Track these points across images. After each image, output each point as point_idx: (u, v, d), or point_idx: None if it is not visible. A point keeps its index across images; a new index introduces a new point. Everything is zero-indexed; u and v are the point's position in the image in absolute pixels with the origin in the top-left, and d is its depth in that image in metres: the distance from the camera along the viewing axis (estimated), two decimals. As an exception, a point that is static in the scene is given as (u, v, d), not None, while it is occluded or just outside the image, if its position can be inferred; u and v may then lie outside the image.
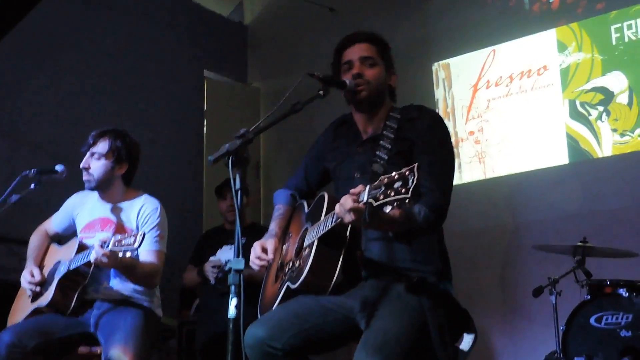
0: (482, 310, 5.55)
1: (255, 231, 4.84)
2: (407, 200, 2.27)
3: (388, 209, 2.39)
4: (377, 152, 2.85)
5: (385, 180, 2.33)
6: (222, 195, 5.40)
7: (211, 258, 5.19)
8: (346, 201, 2.46)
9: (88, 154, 3.84)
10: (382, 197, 2.31)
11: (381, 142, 2.88)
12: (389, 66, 3.04)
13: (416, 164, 2.29)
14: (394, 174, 2.32)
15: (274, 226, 3.06)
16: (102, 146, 3.84)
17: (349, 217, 2.46)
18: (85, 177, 3.84)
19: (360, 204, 2.42)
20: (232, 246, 5.08)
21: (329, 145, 3.13)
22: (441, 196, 2.75)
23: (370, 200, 2.35)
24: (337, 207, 2.51)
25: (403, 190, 2.27)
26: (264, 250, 2.89)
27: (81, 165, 3.84)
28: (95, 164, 3.83)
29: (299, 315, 2.72)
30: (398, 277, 2.73)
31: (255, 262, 2.89)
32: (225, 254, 5.20)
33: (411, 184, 2.26)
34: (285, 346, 2.65)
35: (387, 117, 2.97)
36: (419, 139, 2.85)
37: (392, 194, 2.28)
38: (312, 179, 3.18)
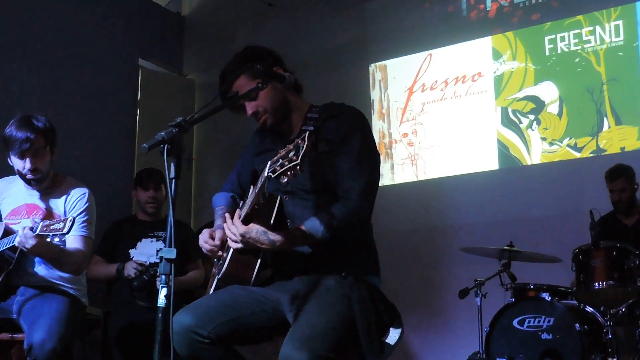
0: (408, 309, 5.58)
1: (178, 225, 4.75)
2: (298, 167, 2.35)
3: (284, 179, 2.47)
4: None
5: (283, 152, 2.42)
6: (143, 185, 5.18)
7: (131, 251, 5.01)
8: None
9: (28, 154, 3.63)
10: (278, 168, 2.41)
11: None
12: (268, 73, 2.86)
13: (308, 132, 2.39)
14: (290, 145, 2.41)
15: (220, 222, 3.02)
16: (39, 140, 3.64)
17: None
18: (34, 176, 3.68)
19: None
20: (153, 240, 5.01)
21: (256, 148, 3.10)
22: (358, 200, 2.73)
23: (269, 174, 2.45)
24: None
25: (294, 158, 2.35)
26: (212, 238, 2.87)
27: (28, 168, 3.64)
28: (40, 160, 3.67)
29: (228, 305, 2.71)
30: (327, 271, 2.74)
31: (204, 246, 2.88)
32: (147, 248, 5.03)
33: (301, 150, 2.34)
34: (212, 334, 2.63)
35: (304, 120, 2.93)
36: (339, 138, 2.81)
37: (287, 163, 2.38)
38: (245, 181, 3.15)
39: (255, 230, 2.64)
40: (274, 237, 2.63)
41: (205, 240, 2.87)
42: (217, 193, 3.21)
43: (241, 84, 2.86)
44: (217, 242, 2.84)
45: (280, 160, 2.41)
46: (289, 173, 2.39)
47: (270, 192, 2.81)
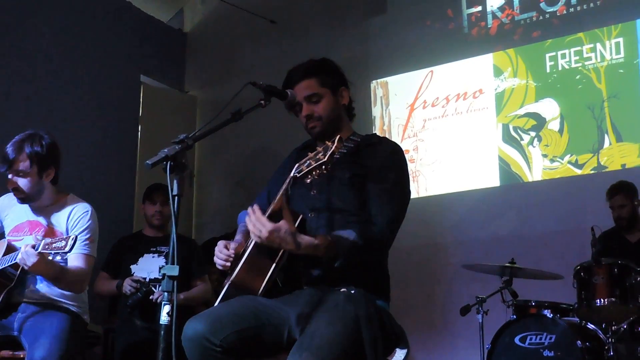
0: (410, 326, 5.55)
1: (180, 241, 4.75)
2: (324, 166, 2.44)
3: (308, 179, 2.55)
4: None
5: (311, 154, 2.51)
6: (151, 199, 5.23)
7: (132, 267, 5.02)
8: None
9: (11, 173, 3.68)
10: (305, 168, 2.51)
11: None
12: (336, 87, 3.02)
13: (338, 136, 2.48)
14: (320, 148, 2.51)
15: (239, 237, 3.03)
16: (23, 161, 3.65)
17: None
18: (16, 195, 3.72)
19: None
20: (155, 255, 5.01)
21: (292, 164, 3.12)
22: (383, 227, 2.79)
23: (295, 174, 2.54)
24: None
25: (321, 157, 2.45)
26: (227, 248, 2.89)
27: (9, 187, 3.70)
28: (22, 181, 3.68)
29: (239, 315, 2.69)
30: (337, 286, 2.75)
31: (218, 256, 2.88)
32: (148, 263, 5.03)
33: (329, 150, 2.43)
34: (224, 343, 2.61)
35: (346, 139, 2.98)
36: (374, 165, 2.87)
37: (313, 163, 2.47)
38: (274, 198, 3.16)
39: (284, 229, 2.61)
40: (301, 239, 2.63)
41: (220, 250, 2.88)
42: (244, 210, 3.21)
43: (307, 85, 2.96)
44: (231, 251, 2.86)
45: (308, 161, 2.49)
46: (314, 172, 2.44)
47: (297, 210, 2.83)
